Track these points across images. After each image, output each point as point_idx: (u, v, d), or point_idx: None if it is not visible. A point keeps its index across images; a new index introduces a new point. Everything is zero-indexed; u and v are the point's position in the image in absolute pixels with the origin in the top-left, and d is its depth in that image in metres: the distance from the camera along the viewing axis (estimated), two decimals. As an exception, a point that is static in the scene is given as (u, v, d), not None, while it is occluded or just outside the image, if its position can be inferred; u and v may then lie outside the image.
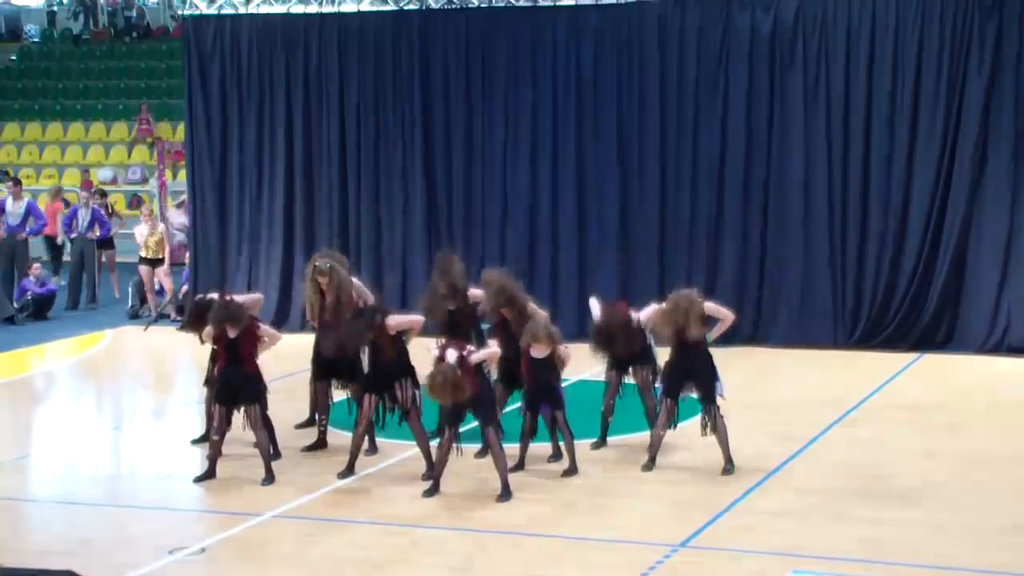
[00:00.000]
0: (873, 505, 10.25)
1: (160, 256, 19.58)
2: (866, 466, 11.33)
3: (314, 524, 10.11)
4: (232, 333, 11.11)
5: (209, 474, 11.14)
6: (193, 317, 12.18)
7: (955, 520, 9.88)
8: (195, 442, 12.33)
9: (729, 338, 16.29)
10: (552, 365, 11.10)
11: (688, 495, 10.58)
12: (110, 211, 22.45)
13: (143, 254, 19.53)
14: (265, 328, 11.48)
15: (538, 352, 11.06)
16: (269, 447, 11.33)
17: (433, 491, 10.60)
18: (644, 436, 11.83)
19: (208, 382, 11.94)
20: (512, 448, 11.03)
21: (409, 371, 11.20)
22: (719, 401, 11.17)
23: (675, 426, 11.37)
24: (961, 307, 15.90)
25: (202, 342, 11.70)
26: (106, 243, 21.43)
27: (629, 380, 11.92)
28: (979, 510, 10.11)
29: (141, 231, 19.83)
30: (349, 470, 11.15)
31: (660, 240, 16.77)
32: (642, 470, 11.24)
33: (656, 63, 16.69)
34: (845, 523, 9.83)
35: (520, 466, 11.18)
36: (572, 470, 11.13)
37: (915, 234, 15.93)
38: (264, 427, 11.27)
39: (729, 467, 11.13)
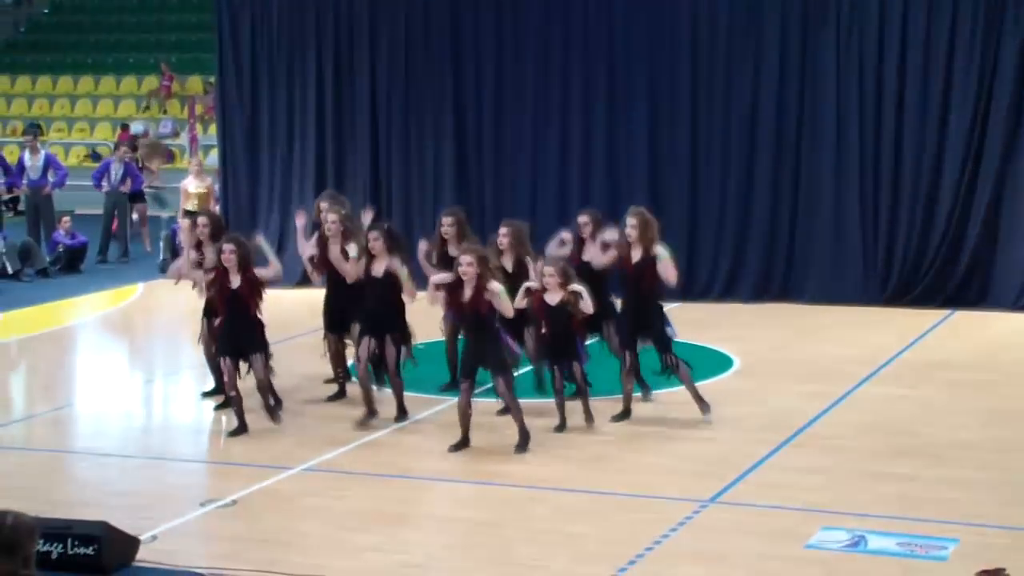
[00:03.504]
0: (902, 462, 10.23)
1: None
2: (896, 423, 11.30)
3: (343, 477, 10.16)
4: (234, 282, 11.05)
5: (241, 428, 11.19)
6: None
7: (984, 477, 9.85)
8: (205, 395, 12.36)
9: (760, 294, 16.42)
10: (569, 313, 10.82)
11: (717, 452, 10.58)
12: (141, 165, 22.53)
13: (188, 206, 19.46)
14: (261, 271, 11.28)
15: (552, 297, 10.87)
16: (270, 396, 11.31)
17: (460, 446, 10.60)
18: (673, 392, 11.85)
19: (203, 338, 11.92)
20: (536, 404, 11.00)
21: (399, 325, 11.17)
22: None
23: (666, 372, 11.27)
24: (994, 264, 15.82)
25: (200, 292, 11.66)
26: (137, 197, 21.51)
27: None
28: (1009, 467, 10.08)
29: (188, 184, 19.78)
30: (372, 413, 11.24)
31: (691, 195, 16.72)
32: (611, 420, 11.23)
33: (688, 17, 16.57)
34: (874, 480, 9.82)
35: (562, 425, 11.05)
36: (589, 419, 11.04)
37: (948, 190, 15.83)
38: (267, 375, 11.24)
39: (704, 408, 11.17)
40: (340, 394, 12.21)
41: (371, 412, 11.32)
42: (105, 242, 20.87)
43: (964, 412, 11.66)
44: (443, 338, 12.17)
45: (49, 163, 21.08)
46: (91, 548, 8.20)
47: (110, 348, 16.02)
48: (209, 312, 11.72)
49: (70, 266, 20.00)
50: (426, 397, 11.97)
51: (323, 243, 11.89)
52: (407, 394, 11.62)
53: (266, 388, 11.27)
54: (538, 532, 8.85)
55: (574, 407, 11.13)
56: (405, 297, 11.26)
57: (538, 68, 17.21)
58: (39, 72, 30.68)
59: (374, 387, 11.34)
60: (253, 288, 11.08)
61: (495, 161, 17.47)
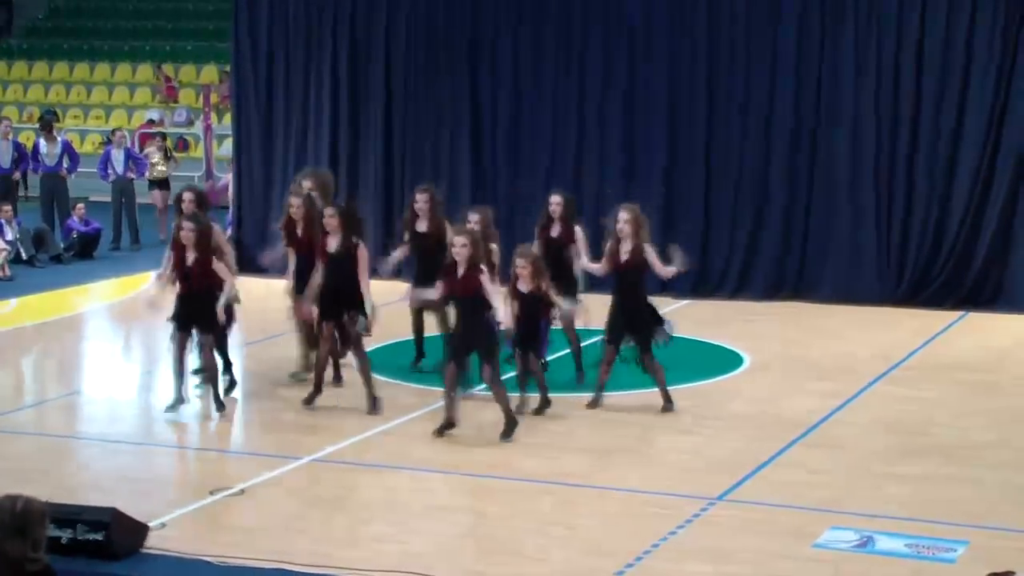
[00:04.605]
0: (913, 463, 10.21)
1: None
2: (907, 423, 11.28)
3: (351, 468, 10.17)
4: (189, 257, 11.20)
5: (178, 400, 11.42)
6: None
7: (995, 478, 9.82)
8: (195, 372, 12.30)
9: (772, 292, 16.39)
10: (539, 301, 11.09)
11: (727, 449, 10.57)
12: (168, 154, 22.53)
13: None
14: (220, 265, 11.45)
15: (523, 284, 11.02)
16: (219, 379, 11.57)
17: (445, 428, 10.63)
18: (683, 388, 11.85)
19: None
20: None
21: (357, 301, 11.32)
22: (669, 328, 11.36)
23: (640, 367, 11.42)
24: (1008, 265, 15.76)
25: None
26: (163, 183, 21.55)
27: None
28: (1020, 469, 10.04)
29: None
30: (317, 391, 11.52)
31: (706, 193, 16.68)
32: (587, 407, 11.42)
33: (705, 13, 16.54)
34: (884, 480, 9.80)
35: (520, 410, 11.19)
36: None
37: (963, 190, 15.78)
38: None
39: (668, 407, 11.37)
40: (336, 380, 12.26)
41: (317, 390, 11.52)
42: (117, 230, 20.91)
43: (976, 413, 11.63)
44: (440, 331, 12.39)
45: (66, 150, 21.11)
46: (100, 534, 8.23)
47: (122, 335, 16.05)
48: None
49: (83, 253, 20.04)
50: (431, 389, 11.96)
51: (291, 223, 12.11)
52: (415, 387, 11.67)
53: (214, 370, 11.47)
54: (545, 525, 8.85)
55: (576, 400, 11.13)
56: (361, 277, 11.39)
57: (555, 61, 17.17)
58: (56, 59, 30.71)
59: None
60: (204, 269, 11.23)
61: (510, 152, 17.44)
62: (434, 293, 11.05)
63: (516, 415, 10.84)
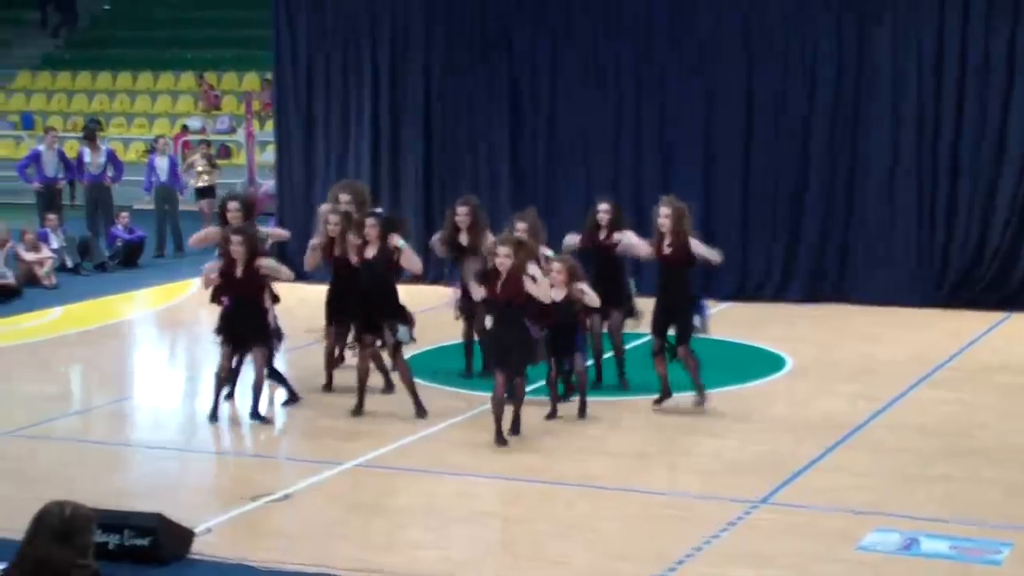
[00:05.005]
0: (955, 465, 10.16)
1: None
2: (949, 426, 11.22)
3: (392, 474, 10.22)
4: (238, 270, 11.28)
5: (213, 415, 11.50)
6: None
7: (1039, 482, 9.77)
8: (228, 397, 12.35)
9: (813, 295, 16.33)
10: (574, 309, 11.10)
11: (768, 452, 10.55)
12: (212, 162, 22.68)
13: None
14: (266, 262, 11.56)
15: (557, 292, 11.00)
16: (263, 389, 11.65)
17: (501, 439, 10.64)
18: (725, 391, 11.84)
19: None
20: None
21: (396, 310, 11.40)
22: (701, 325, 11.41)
23: (672, 357, 11.46)
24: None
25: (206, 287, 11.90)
26: (208, 191, 21.68)
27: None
28: (1064, 472, 10.00)
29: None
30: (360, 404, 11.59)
31: (744, 196, 16.64)
32: (653, 404, 11.53)
33: (742, 13, 16.50)
34: (927, 482, 9.76)
35: (553, 413, 11.32)
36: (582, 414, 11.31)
37: (1007, 190, 15.69)
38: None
39: (702, 399, 11.42)
40: (387, 388, 12.33)
41: (360, 403, 11.56)
42: (160, 237, 21.07)
43: (1018, 416, 11.55)
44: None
45: (110, 159, 21.30)
46: (147, 539, 8.31)
47: (166, 342, 16.18)
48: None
49: (128, 261, 20.20)
50: (472, 394, 12.01)
51: (330, 242, 12.11)
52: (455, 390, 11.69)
53: (261, 381, 11.48)
54: (585, 530, 8.86)
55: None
56: (405, 264, 11.46)
57: (592, 67, 17.18)
58: (99, 68, 30.99)
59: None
60: (253, 281, 11.30)
61: (548, 155, 17.46)
62: (478, 293, 11.02)
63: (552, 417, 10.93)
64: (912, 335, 14.64)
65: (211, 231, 12.49)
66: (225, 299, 11.62)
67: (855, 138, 16.20)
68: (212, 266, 11.85)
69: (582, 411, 11.38)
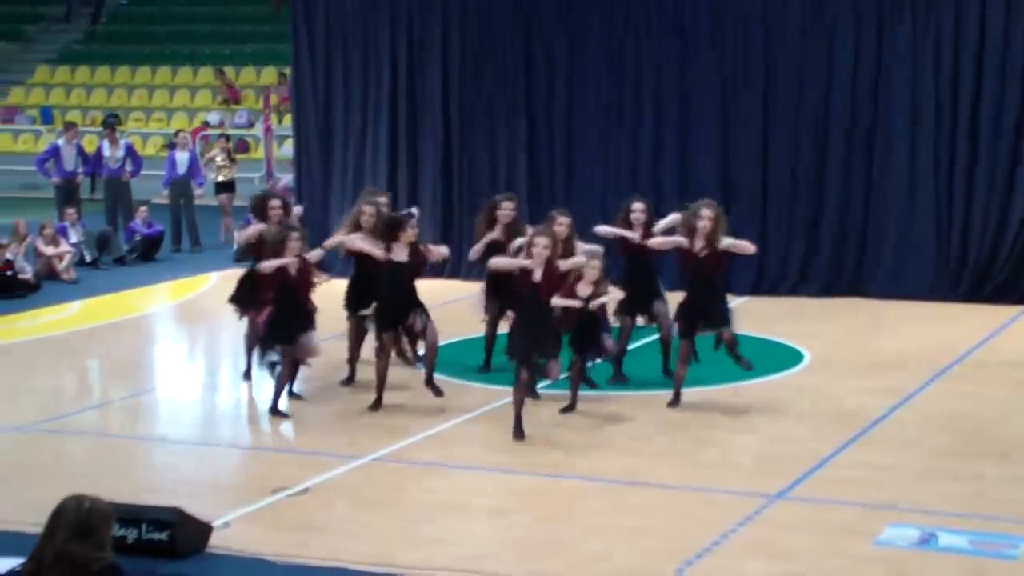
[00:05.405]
0: (972, 461, 10.14)
1: None
2: (966, 421, 11.20)
3: (411, 469, 10.24)
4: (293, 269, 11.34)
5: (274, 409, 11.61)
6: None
7: (1057, 477, 9.75)
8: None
9: (831, 289, 16.31)
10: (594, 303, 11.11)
11: (784, 447, 10.54)
12: (231, 156, 22.74)
13: None
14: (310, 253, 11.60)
15: (582, 290, 11.01)
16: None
17: (517, 433, 10.66)
18: (743, 385, 11.83)
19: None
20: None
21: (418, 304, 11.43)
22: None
23: (698, 359, 11.49)
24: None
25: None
26: (228, 186, 21.72)
27: (640, 323, 12.19)
28: (1082, 468, 9.97)
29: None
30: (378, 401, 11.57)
31: (762, 190, 16.62)
32: (667, 406, 11.41)
33: (760, 11, 16.48)
34: (943, 478, 9.75)
35: (572, 406, 11.34)
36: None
37: (1023, 188, 15.63)
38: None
39: (745, 365, 11.37)
40: (350, 379, 12.40)
41: (378, 400, 11.55)
42: (177, 232, 21.13)
43: (1036, 411, 11.54)
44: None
45: (128, 153, 21.36)
46: (165, 533, 8.35)
47: (184, 336, 16.24)
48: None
49: (146, 255, 20.28)
50: (489, 388, 12.02)
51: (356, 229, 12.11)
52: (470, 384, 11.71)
53: (287, 377, 11.59)
54: (603, 524, 8.88)
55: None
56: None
57: (609, 63, 17.17)
58: (118, 63, 31.08)
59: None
60: (307, 276, 11.35)
61: (567, 153, 17.46)
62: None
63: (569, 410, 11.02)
64: (930, 330, 14.60)
65: (257, 228, 12.40)
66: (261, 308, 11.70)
67: (873, 135, 16.16)
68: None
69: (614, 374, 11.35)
